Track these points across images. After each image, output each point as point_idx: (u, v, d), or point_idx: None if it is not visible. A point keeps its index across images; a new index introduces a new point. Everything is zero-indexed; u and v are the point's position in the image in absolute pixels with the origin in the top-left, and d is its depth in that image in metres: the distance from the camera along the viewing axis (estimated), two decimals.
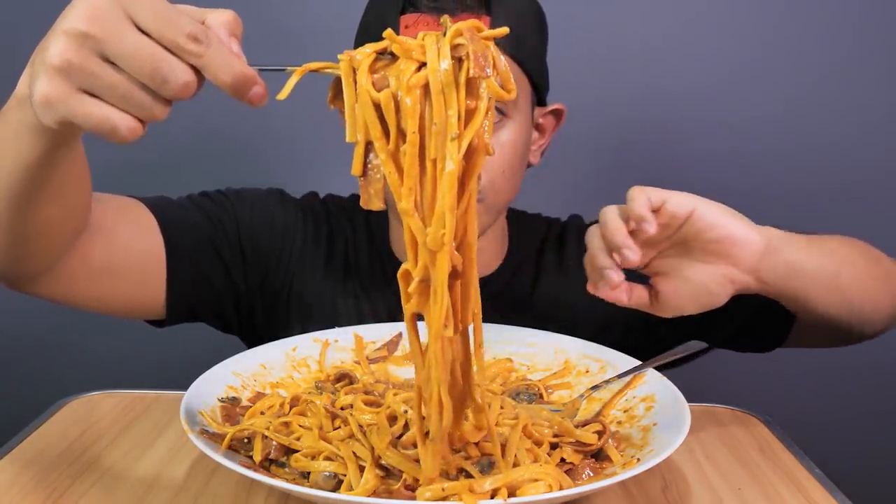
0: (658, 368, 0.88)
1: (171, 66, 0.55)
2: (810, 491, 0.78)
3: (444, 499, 0.68)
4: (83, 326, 1.53)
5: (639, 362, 0.89)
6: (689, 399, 0.81)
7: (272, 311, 1.07)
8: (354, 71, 0.61)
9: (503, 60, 0.61)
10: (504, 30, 0.62)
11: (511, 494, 0.67)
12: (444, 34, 0.60)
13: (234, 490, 0.76)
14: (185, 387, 0.81)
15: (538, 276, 1.11)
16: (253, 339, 1.08)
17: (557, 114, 1.08)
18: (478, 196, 0.88)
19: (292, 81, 0.61)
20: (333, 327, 0.98)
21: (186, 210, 1.01)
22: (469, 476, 0.71)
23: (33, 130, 0.64)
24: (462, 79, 0.59)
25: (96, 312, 0.96)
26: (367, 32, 0.96)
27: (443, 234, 0.59)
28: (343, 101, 0.62)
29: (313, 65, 0.62)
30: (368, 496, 0.68)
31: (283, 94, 0.60)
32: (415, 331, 0.65)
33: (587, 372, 0.92)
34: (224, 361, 0.88)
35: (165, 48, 0.55)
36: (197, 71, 0.56)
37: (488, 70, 0.59)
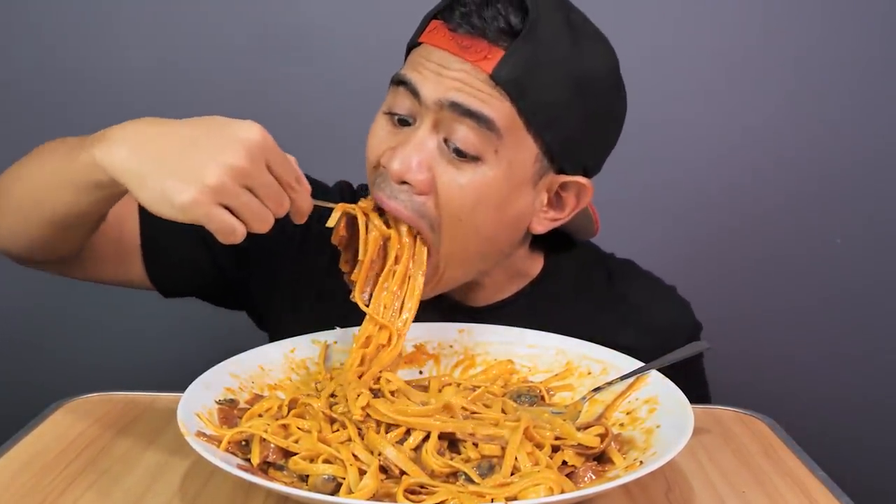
0: (661, 370, 0.87)
1: (285, 197, 0.78)
2: (814, 493, 0.77)
3: (443, 501, 0.67)
4: (79, 328, 1.52)
5: (641, 364, 0.88)
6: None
7: (269, 297, 1.08)
8: (367, 215, 0.90)
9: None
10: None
11: (512, 498, 0.67)
12: None
13: (232, 493, 0.75)
14: (182, 389, 0.81)
15: (552, 316, 1.02)
16: (257, 319, 1.13)
17: (579, 190, 0.95)
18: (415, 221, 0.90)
19: (335, 216, 0.89)
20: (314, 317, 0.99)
21: None
22: (469, 479, 0.71)
23: (96, 187, 0.81)
24: None
25: (118, 287, 1.08)
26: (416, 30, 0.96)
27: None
28: (343, 230, 0.91)
29: (345, 206, 0.90)
30: (368, 499, 0.67)
31: (331, 223, 0.89)
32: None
33: (589, 374, 0.91)
34: (222, 363, 0.87)
35: (281, 185, 0.78)
36: None
37: None
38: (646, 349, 0.97)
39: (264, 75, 1.48)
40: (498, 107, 0.87)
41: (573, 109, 0.90)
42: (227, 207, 0.74)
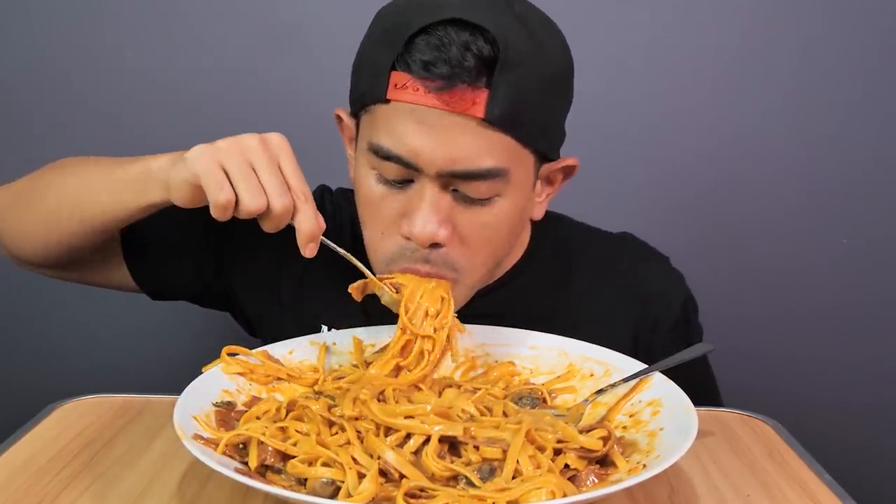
0: (664, 372, 0.86)
1: (286, 194, 0.80)
2: (820, 497, 0.76)
3: None
4: (75, 329, 1.52)
5: (644, 366, 0.87)
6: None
7: (251, 297, 1.08)
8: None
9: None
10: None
11: (513, 502, 0.66)
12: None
13: (230, 496, 0.74)
14: (179, 391, 0.80)
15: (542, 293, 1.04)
16: (245, 323, 1.12)
17: (568, 168, 0.98)
18: (451, 276, 0.91)
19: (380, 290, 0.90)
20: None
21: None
22: (470, 483, 0.70)
23: (159, 184, 0.85)
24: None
25: (113, 290, 1.10)
26: (363, 76, 0.90)
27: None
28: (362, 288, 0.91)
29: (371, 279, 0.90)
30: (367, 503, 0.67)
31: (354, 292, 0.90)
32: None
33: (591, 376, 0.90)
34: (219, 365, 0.86)
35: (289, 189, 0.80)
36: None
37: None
38: (638, 318, 1.03)
39: (261, 74, 1.47)
40: (499, 147, 0.85)
41: (552, 109, 0.90)
42: (227, 175, 0.78)
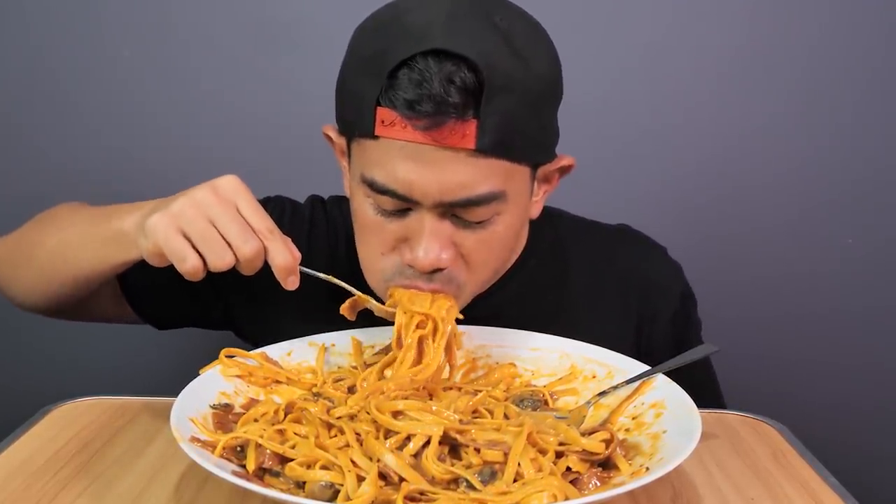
0: (668, 374, 0.85)
1: (252, 238, 0.81)
2: (824, 499, 0.76)
3: None
4: (71, 330, 1.51)
5: (647, 367, 0.87)
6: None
7: (254, 319, 1.07)
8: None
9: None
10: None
11: None
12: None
13: (228, 499, 0.73)
14: (176, 393, 0.79)
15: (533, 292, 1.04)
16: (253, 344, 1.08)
17: (564, 168, 0.97)
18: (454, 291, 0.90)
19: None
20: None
21: None
22: (470, 486, 0.69)
23: (125, 245, 0.87)
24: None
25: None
26: (348, 104, 0.88)
27: None
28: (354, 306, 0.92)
29: (361, 295, 0.92)
30: None
31: (346, 312, 0.92)
32: None
33: (594, 377, 0.90)
34: (217, 367, 0.86)
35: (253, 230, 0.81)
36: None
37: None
38: (640, 311, 1.04)
39: (257, 72, 1.47)
40: (493, 172, 0.84)
41: (543, 119, 0.88)
42: (188, 239, 0.79)
